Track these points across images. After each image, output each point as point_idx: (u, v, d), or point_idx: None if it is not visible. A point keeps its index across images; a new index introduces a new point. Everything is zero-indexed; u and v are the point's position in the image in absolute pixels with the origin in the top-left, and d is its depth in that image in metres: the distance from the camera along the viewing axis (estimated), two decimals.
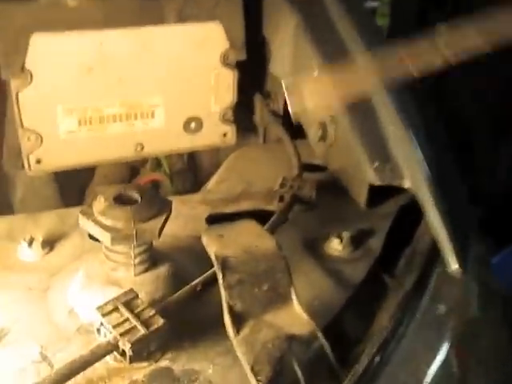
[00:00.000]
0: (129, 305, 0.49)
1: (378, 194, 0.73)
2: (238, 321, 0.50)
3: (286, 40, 0.85)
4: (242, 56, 0.92)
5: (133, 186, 0.55)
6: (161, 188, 1.09)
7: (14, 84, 0.77)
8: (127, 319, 0.48)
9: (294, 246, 0.67)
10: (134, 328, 0.47)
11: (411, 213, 0.71)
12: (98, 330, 0.49)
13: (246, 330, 0.50)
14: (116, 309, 0.48)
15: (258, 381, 0.45)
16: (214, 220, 0.73)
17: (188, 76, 0.91)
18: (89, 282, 0.55)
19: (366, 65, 0.73)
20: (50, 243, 0.67)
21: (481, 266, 0.64)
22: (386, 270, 0.66)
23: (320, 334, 0.49)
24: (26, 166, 0.83)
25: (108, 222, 0.51)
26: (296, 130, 0.87)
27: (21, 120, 0.80)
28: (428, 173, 0.63)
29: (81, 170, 0.92)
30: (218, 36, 0.90)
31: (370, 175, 0.66)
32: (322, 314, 0.55)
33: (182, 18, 0.88)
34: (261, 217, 0.65)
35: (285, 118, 0.96)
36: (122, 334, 0.47)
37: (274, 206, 0.73)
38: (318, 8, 0.82)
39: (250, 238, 0.55)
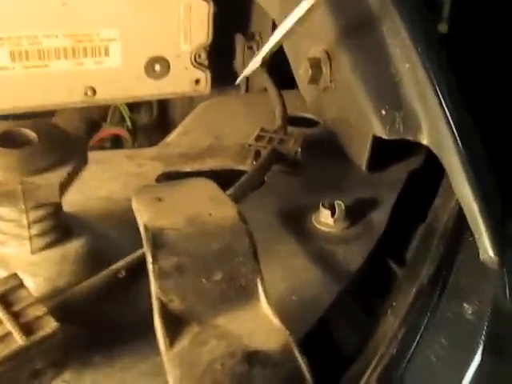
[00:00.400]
0: (7, 298, 0.32)
1: (384, 155, 0.56)
2: (175, 326, 0.33)
3: None
4: None
5: (30, 123, 0.37)
6: (123, 146, 0.92)
7: None
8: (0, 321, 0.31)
9: (270, 218, 0.50)
10: (7, 335, 0.31)
11: (424, 179, 0.55)
12: None
13: (184, 341, 0.33)
14: None
15: None
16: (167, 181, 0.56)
17: (152, 5, 0.73)
18: None
19: None
20: None
21: None
22: (393, 255, 0.49)
23: (296, 349, 0.33)
24: None
25: None
26: (286, 80, 0.70)
27: None
28: (453, 127, 0.46)
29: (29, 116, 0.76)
30: None
31: (376, 126, 0.49)
32: (303, 317, 0.39)
33: None
34: (230, 180, 0.49)
35: (272, 65, 0.79)
36: None
37: (246, 165, 0.56)
38: None
39: (201, 204, 0.37)
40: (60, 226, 0.39)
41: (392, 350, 0.35)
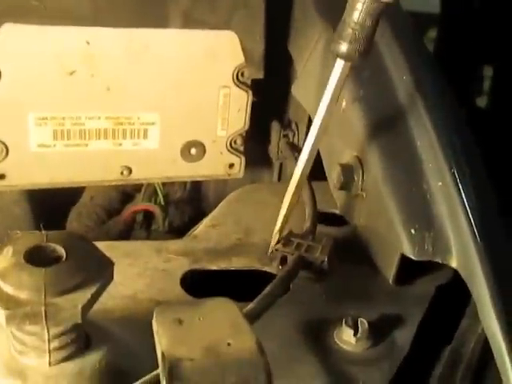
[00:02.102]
0: None
1: (412, 268, 0.55)
2: None
3: (313, 59, 0.69)
4: (259, 74, 0.76)
5: (59, 236, 0.38)
6: (154, 222, 0.93)
7: None
8: None
9: (291, 332, 0.49)
10: None
11: (453, 296, 0.53)
12: None
13: None
14: None
15: None
16: (192, 278, 0.56)
17: (192, 92, 0.76)
18: None
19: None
20: None
21: None
22: (415, 381, 0.47)
23: None
24: None
25: (8, 289, 0.34)
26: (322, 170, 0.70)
27: None
28: (484, 255, 0.45)
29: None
30: (232, 48, 0.74)
31: (405, 245, 0.49)
32: None
33: (188, 23, 0.73)
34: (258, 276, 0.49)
35: None
36: None
37: (272, 268, 0.56)
38: None
39: (220, 331, 0.37)
40: (80, 338, 0.39)
41: None
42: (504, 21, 2.27)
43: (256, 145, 0.87)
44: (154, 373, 0.37)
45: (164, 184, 0.98)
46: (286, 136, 0.84)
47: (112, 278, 0.38)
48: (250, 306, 0.45)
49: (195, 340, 0.36)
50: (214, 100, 0.77)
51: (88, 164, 0.75)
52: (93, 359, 0.39)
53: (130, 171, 0.78)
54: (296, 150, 0.83)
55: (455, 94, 0.62)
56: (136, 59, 0.71)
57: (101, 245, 0.58)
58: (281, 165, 0.88)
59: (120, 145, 0.76)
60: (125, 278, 0.53)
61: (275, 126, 0.86)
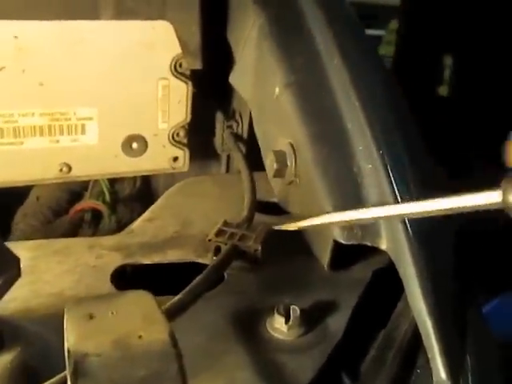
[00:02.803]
0: None
1: (348, 252, 0.54)
2: None
3: (248, 47, 0.68)
4: (198, 64, 0.75)
5: None
6: (102, 220, 0.92)
7: None
8: None
9: (223, 322, 0.48)
10: None
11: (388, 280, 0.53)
12: None
13: None
14: None
15: None
16: (124, 274, 0.55)
17: (129, 85, 0.74)
18: None
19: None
20: None
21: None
22: (348, 366, 0.47)
23: None
24: None
25: None
26: None
27: None
28: (411, 235, 0.45)
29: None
30: (168, 39, 0.73)
31: (334, 229, 0.48)
32: None
33: (121, 14, 0.71)
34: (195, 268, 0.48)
35: (252, 145, 0.79)
36: None
37: (207, 259, 0.55)
38: (290, 9, 0.65)
39: (132, 323, 0.36)
40: None
41: None
42: (463, 10, 2.30)
43: (202, 137, 0.86)
44: (63, 373, 0.36)
45: (113, 182, 0.96)
46: (229, 127, 0.83)
47: (18, 275, 0.36)
48: (176, 297, 0.44)
49: (105, 334, 0.35)
50: (152, 92, 0.76)
51: (25, 163, 0.73)
52: (4, 360, 0.38)
53: (70, 168, 0.76)
54: (240, 140, 0.82)
55: (391, 76, 0.62)
56: (69, 52, 0.69)
57: (30, 243, 0.56)
58: (228, 156, 0.87)
59: (57, 141, 0.74)
60: (52, 276, 0.51)
61: (219, 117, 0.85)
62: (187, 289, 0.45)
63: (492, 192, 0.30)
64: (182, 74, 0.75)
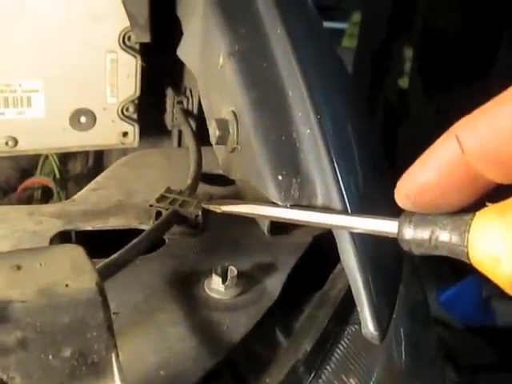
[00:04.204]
0: None
1: None
2: None
3: (195, 20, 0.68)
4: (146, 38, 0.75)
5: None
6: (53, 196, 0.91)
7: None
8: None
9: (161, 283, 0.48)
10: None
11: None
12: None
13: None
14: None
15: None
16: (66, 240, 0.54)
17: (76, 57, 0.73)
18: None
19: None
20: None
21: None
22: (284, 324, 0.48)
23: None
24: None
25: None
26: None
27: None
28: (344, 194, 0.46)
29: None
30: (116, 11, 0.72)
31: (271, 190, 0.49)
32: None
33: None
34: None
35: (202, 121, 0.79)
36: None
37: (149, 226, 0.55)
38: None
39: (60, 273, 0.36)
40: None
41: None
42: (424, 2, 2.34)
43: (153, 113, 0.86)
44: None
45: (65, 160, 0.95)
46: (180, 102, 0.83)
47: None
48: (111, 257, 0.44)
49: (31, 283, 0.35)
50: (100, 65, 0.75)
51: None
52: None
53: (16, 142, 0.76)
54: (190, 116, 0.82)
55: (331, 48, 0.63)
56: (12, 22, 0.68)
57: None
58: (180, 133, 0.87)
59: (2, 114, 0.73)
60: None
61: (170, 93, 0.85)
62: (123, 249, 0.45)
63: (391, 222, 0.32)
64: (130, 47, 0.75)
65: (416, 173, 0.29)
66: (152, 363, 0.39)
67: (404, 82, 2.64)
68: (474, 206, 0.28)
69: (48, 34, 0.70)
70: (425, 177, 0.28)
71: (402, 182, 0.29)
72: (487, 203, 0.28)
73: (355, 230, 0.37)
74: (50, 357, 0.33)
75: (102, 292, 0.35)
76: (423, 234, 0.29)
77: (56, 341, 0.33)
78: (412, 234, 0.30)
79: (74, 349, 0.33)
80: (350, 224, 0.37)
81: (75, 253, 0.38)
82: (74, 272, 0.36)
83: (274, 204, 0.47)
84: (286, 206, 0.46)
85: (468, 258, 0.27)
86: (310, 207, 0.47)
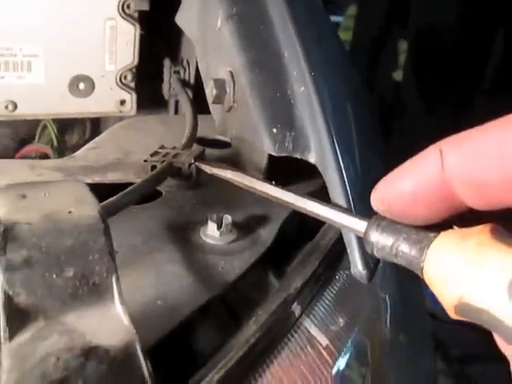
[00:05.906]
0: None
1: (282, 176, 0.57)
2: (19, 320, 0.33)
3: None
4: (144, 6, 0.76)
5: None
6: None
7: None
8: None
9: (157, 229, 0.50)
10: None
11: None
12: None
13: (26, 335, 0.33)
14: None
15: None
16: None
17: (76, 24, 0.75)
18: None
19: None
20: None
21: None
22: (275, 269, 0.50)
23: (138, 349, 0.33)
24: None
25: None
26: None
27: None
28: (336, 147, 0.48)
29: None
30: None
31: (266, 142, 0.50)
32: (163, 321, 0.39)
33: None
34: None
35: (198, 91, 0.81)
36: None
37: None
38: None
39: (64, 202, 0.38)
40: None
41: (240, 354, 0.36)
42: None
43: (150, 83, 0.87)
44: None
45: (61, 130, 0.96)
46: (177, 72, 0.85)
47: None
48: (108, 200, 0.45)
49: (36, 209, 0.36)
50: (100, 33, 0.76)
51: None
52: None
53: (15, 106, 0.77)
54: (187, 86, 0.83)
55: (325, 15, 0.65)
56: None
57: None
58: (177, 103, 0.88)
59: (3, 77, 0.74)
60: None
61: (167, 63, 0.86)
62: (120, 194, 0.46)
63: (361, 221, 0.33)
64: (129, 15, 0.76)
65: (394, 179, 0.29)
66: (150, 295, 0.41)
67: (398, 75, 2.66)
68: (441, 226, 0.28)
69: (49, 4, 0.71)
70: (401, 184, 0.28)
71: (380, 185, 0.29)
72: (454, 226, 0.28)
73: (328, 221, 0.36)
74: (54, 276, 0.34)
75: (104, 220, 0.37)
76: (387, 240, 0.30)
77: (60, 261, 0.35)
78: (377, 237, 0.30)
79: (76, 269, 0.35)
80: (324, 214, 0.37)
81: (78, 187, 0.40)
82: (77, 202, 0.38)
83: (262, 179, 0.47)
84: (271, 183, 0.45)
85: (422, 273, 0.28)
86: (296, 192, 0.46)
